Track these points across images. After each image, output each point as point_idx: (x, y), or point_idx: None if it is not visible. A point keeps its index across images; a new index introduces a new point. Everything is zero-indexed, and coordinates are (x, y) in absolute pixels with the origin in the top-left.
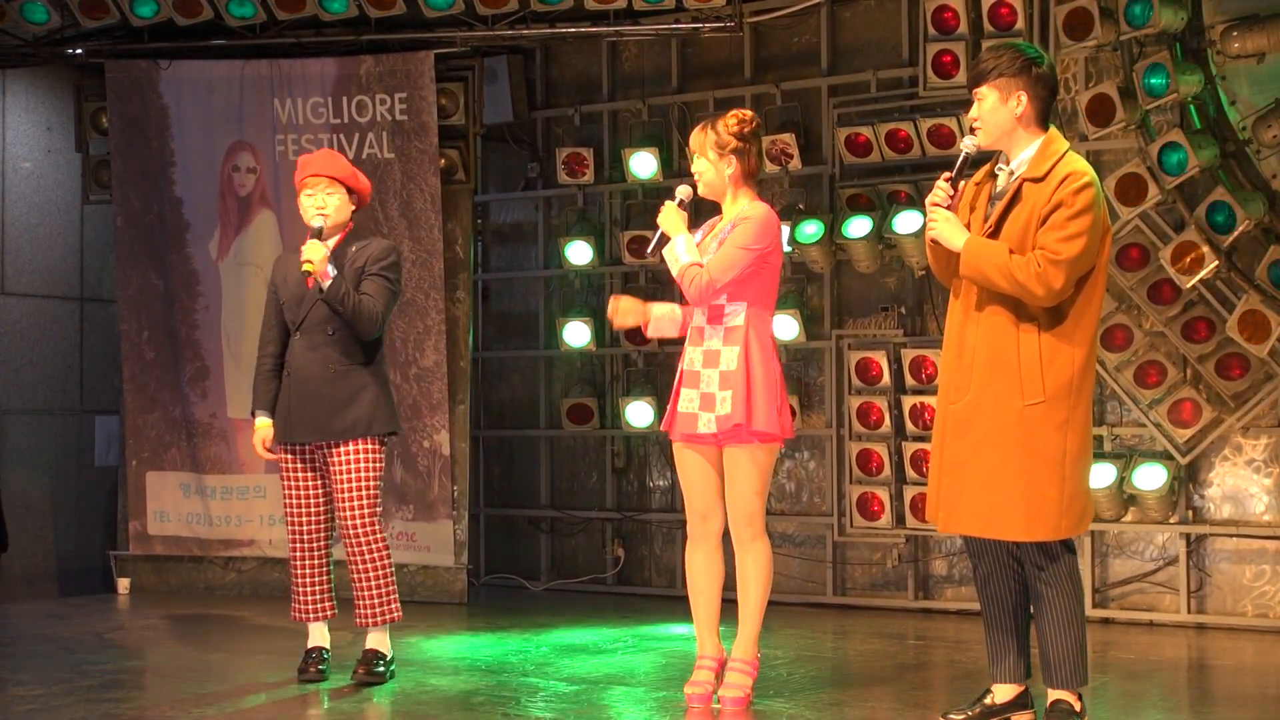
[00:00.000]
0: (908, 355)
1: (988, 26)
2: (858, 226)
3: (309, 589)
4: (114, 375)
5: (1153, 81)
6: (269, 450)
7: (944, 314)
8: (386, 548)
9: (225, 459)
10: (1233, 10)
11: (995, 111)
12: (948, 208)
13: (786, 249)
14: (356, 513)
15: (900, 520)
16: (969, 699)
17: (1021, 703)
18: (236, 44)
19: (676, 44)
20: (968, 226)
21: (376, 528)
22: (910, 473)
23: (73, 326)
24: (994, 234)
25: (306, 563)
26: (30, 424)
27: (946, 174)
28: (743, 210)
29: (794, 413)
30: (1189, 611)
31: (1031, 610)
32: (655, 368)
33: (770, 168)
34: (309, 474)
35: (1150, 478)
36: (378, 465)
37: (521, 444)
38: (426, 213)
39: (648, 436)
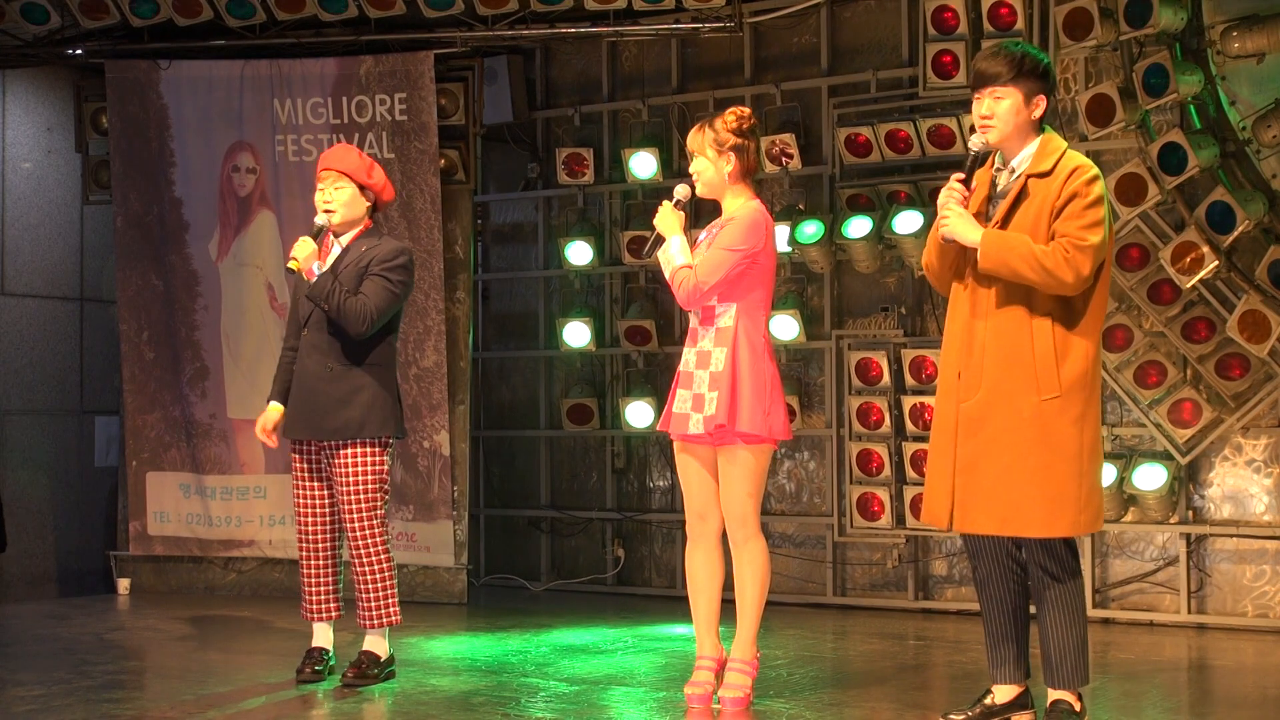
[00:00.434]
0: (908, 355)
1: (987, 26)
2: (858, 227)
3: (313, 589)
4: (114, 375)
5: (1153, 81)
6: (269, 435)
7: (944, 314)
8: (387, 552)
9: (225, 459)
10: (1233, 10)
11: (1017, 112)
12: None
13: (786, 249)
14: (356, 516)
15: (900, 520)
16: (969, 699)
17: (1021, 703)
18: (236, 44)
19: (676, 44)
20: None
21: (376, 531)
22: (910, 473)
23: (73, 327)
24: (1001, 229)
25: (311, 562)
26: (30, 424)
27: (957, 174)
28: (734, 210)
29: (793, 414)
30: (1189, 612)
31: (1033, 610)
32: (655, 368)
33: (770, 168)
34: (315, 474)
35: (1150, 478)
36: (378, 468)
37: (521, 444)
38: (426, 213)
39: (648, 437)
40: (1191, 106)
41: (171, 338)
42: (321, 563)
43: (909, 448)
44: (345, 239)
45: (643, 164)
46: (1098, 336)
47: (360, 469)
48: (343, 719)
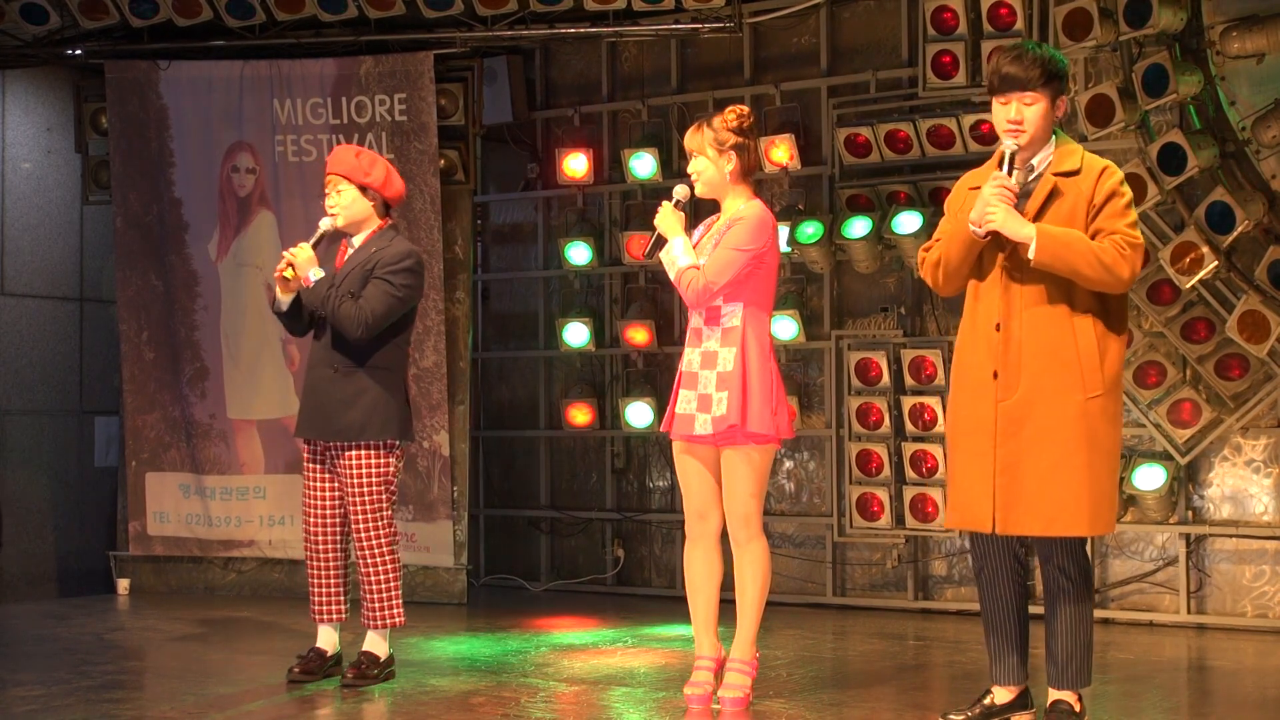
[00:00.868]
0: (907, 356)
1: (987, 27)
2: (857, 227)
3: (317, 590)
4: (114, 376)
5: (1152, 82)
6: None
7: (943, 314)
8: (393, 553)
9: (225, 460)
10: (1232, 10)
11: (1046, 116)
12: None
13: (786, 249)
14: (361, 518)
15: (900, 521)
16: (968, 699)
17: (1022, 703)
18: (236, 44)
19: (676, 44)
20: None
21: (381, 533)
22: (910, 473)
23: (72, 327)
24: None
25: (315, 562)
26: (30, 424)
27: (1001, 173)
28: (739, 210)
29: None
30: (1189, 612)
31: (1043, 609)
32: (655, 368)
33: (770, 167)
34: (322, 474)
35: (1150, 478)
36: (382, 471)
37: (521, 444)
38: (426, 213)
39: (647, 437)
40: (1191, 107)
41: (171, 338)
42: (325, 562)
43: (909, 448)
44: (358, 240)
45: (643, 164)
46: (1127, 336)
47: (364, 471)
48: (343, 719)
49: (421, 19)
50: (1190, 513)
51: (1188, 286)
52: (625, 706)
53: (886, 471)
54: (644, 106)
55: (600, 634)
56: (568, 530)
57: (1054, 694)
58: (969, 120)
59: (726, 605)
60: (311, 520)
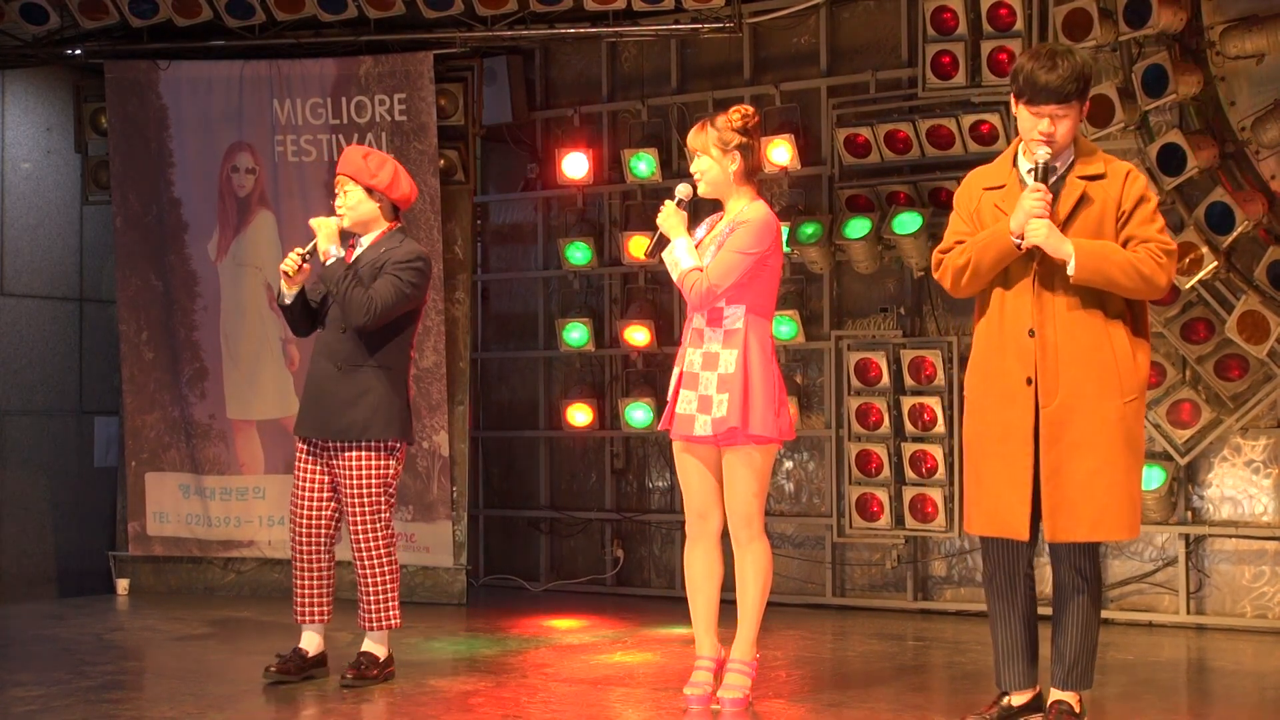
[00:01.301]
0: (907, 356)
1: (987, 27)
2: (857, 227)
3: (303, 590)
4: (113, 376)
5: (1152, 82)
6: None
7: (943, 315)
8: (390, 555)
9: (224, 460)
10: (1232, 10)
11: (1076, 127)
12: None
13: (786, 249)
14: (359, 519)
15: (899, 521)
16: (985, 701)
17: (1035, 706)
18: (236, 44)
19: (676, 44)
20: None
21: (379, 534)
22: (909, 474)
23: (72, 327)
24: (1061, 232)
25: (302, 562)
26: (30, 424)
27: (1037, 184)
28: (743, 212)
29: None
30: (1188, 612)
31: (1054, 610)
32: (655, 368)
33: (770, 167)
34: (317, 472)
35: (1149, 478)
36: (382, 472)
37: (521, 444)
38: (426, 214)
39: (647, 437)
40: (1191, 107)
41: (171, 338)
42: (311, 562)
43: (908, 448)
44: (366, 240)
45: (642, 164)
46: (1150, 339)
47: (364, 471)
48: (343, 719)
49: (421, 19)
50: (1190, 513)
51: (1187, 287)
52: (625, 706)
53: (886, 472)
54: (644, 106)
55: (600, 634)
56: (567, 530)
57: (1056, 694)
58: (969, 120)
59: (727, 605)
60: (301, 519)
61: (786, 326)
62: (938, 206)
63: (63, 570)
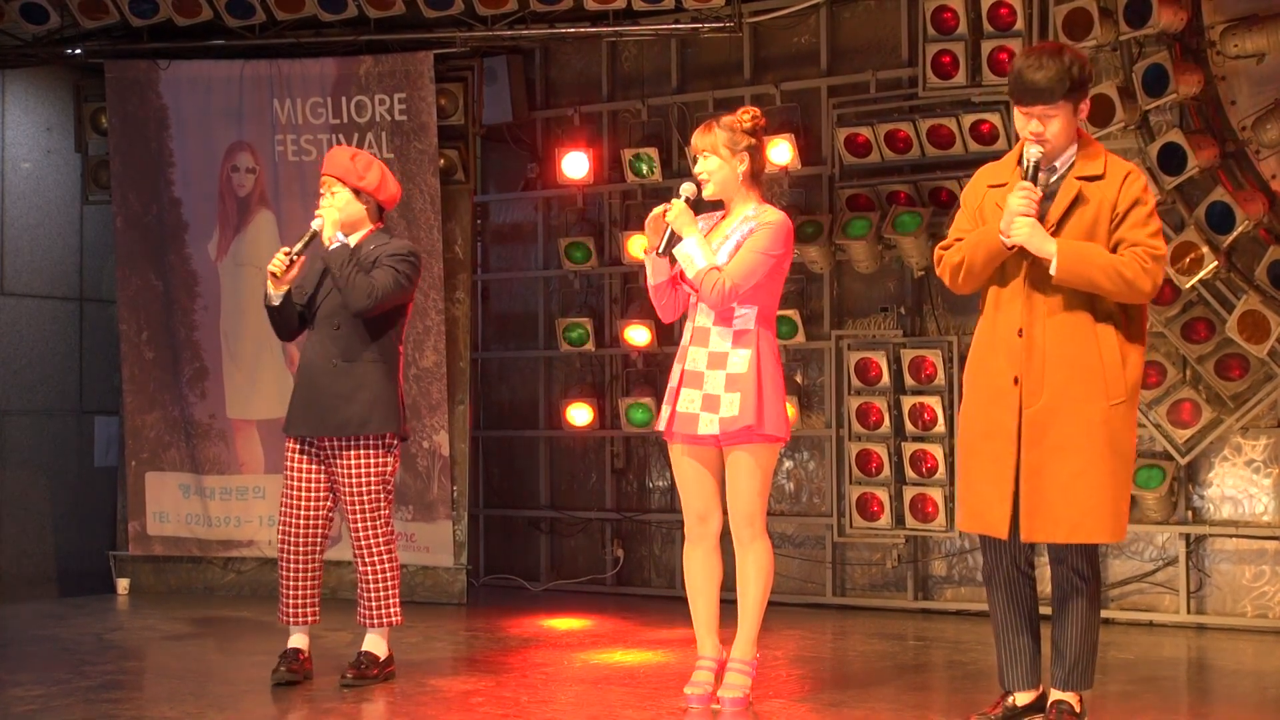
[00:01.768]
0: (907, 356)
1: (987, 27)
2: (857, 227)
3: (293, 591)
4: (113, 375)
5: (1152, 81)
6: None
7: (943, 315)
8: (391, 552)
9: (224, 460)
10: (1233, 10)
11: (1068, 126)
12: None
13: None
14: (359, 516)
15: (900, 521)
16: (988, 700)
17: (1039, 706)
18: (236, 44)
19: (676, 44)
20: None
21: (379, 530)
22: (910, 473)
23: (72, 326)
24: (1055, 232)
25: (293, 562)
26: (30, 424)
27: (1024, 182)
28: (760, 213)
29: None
30: (1188, 612)
31: (1053, 611)
32: (655, 368)
33: (770, 167)
34: (309, 470)
35: (1150, 478)
36: (381, 468)
37: (521, 444)
38: (426, 213)
39: (647, 437)
40: (1191, 106)
41: (171, 338)
42: (301, 563)
43: (908, 448)
44: (352, 241)
45: (643, 164)
46: (1146, 342)
47: (364, 467)
48: (343, 719)
49: (421, 19)
50: (1190, 513)
51: (1188, 286)
52: (625, 706)
53: (886, 471)
54: (644, 106)
55: (600, 634)
56: (567, 530)
57: (1056, 694)
58: (969, 120)
59: (727, 605)
60: (295, 520)
61: (787, 326)
62: (938, 206)
63: (63, 570)
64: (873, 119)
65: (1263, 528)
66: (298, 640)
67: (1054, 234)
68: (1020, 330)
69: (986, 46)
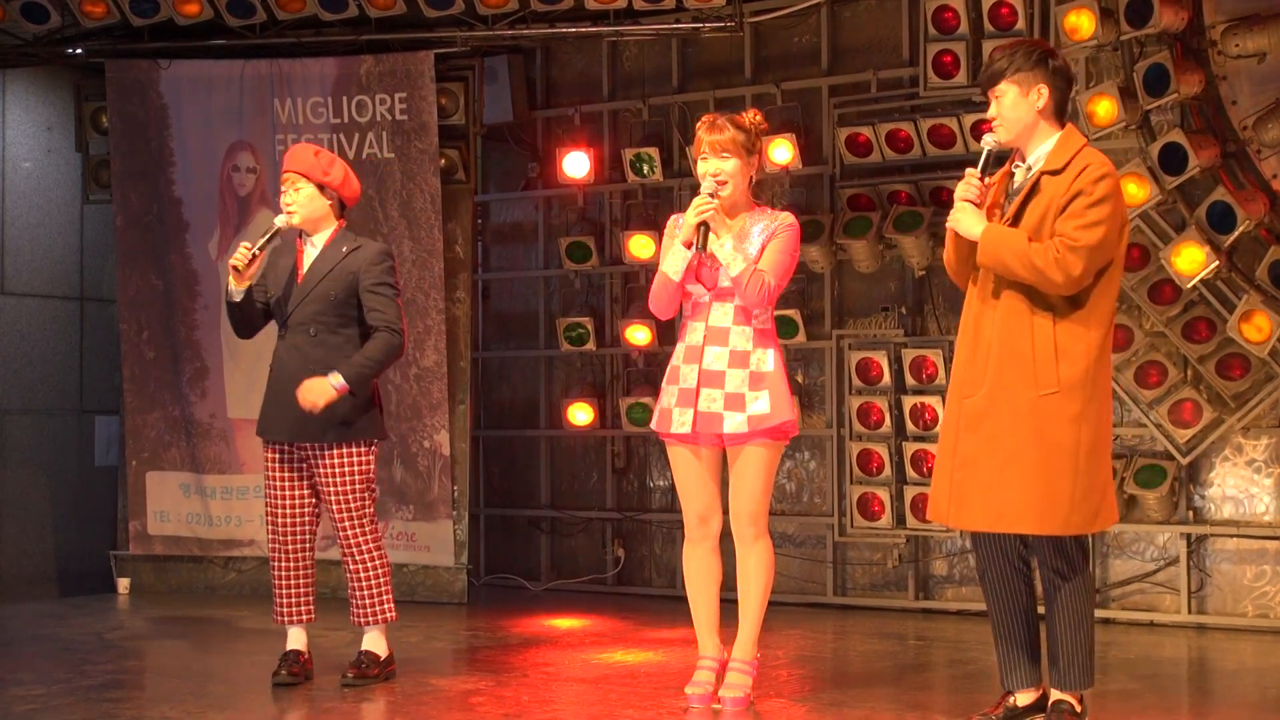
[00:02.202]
0: (908, 355)
1: (988, 26)
2: (858, 226)
3: (285, 592)
4: (114, 375)
5: (1153, 81)
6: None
7: (944, 314)
8: (380, 550)
9: (225, 459)
10: (1233, 10)
11: (1016, 106)
12: (976, 202)
13: None
14: (346, 519)
15: (901, 520)
16: (990, 700)
17: (1040, 706)
18: (236, 44)
19: (676, 44)
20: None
21: (367, 530)
22: (911, 473)
23: (73, 326)
24: (1012, 226)
25: (283, 563)
26: (30, 424)
27: (972, 169)
28: (774, 216)
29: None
30: (1189, 612)
31: (1042, 610)
32: (655, 368)
33: (772, 166)
34: (290, 474)
35: (1150, 478)
36: (364, 469)
37: (521, 444)
38: (426, 213)
39: (648, 437)
40: (1192, 106)
41: (171, 337)
42: (294, 564)
43: (909, 448)
44: (320, 241)
45: (643, 164)
46: (1104, 335)
47: (348, 470)
48: (343, 718)
49: (422, 18)
50: (1191, 513)
51: (1189, 286)
52: (625, 706)
53: (887, 471)
54: (645, 106)
55: (600, 634)
56: (568, 530)
57: (1056, 694)
58: (970, 120)
59: (728, 604)
60: (282, 523)
61: (788, 326)
62: (939, 206)
63: (63, 570)
64: (874, 119)
65: (1264, 528)
66: (296, 640)
67: (1011, 226)
68: (974, 321)
69: (987, 46)
